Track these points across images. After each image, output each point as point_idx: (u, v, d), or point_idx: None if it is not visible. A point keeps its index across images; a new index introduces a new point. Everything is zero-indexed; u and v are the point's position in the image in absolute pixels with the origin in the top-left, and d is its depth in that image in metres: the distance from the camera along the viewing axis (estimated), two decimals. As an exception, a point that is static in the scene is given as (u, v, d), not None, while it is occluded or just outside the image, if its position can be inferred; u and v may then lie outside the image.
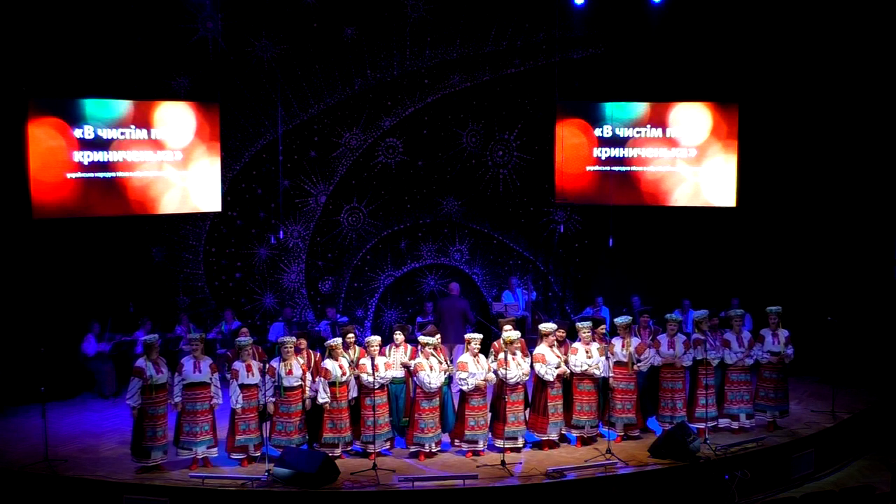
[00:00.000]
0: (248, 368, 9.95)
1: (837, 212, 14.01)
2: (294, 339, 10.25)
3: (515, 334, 10.41)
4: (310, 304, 14.57)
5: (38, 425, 10.19)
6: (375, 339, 10.35)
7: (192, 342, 10.07)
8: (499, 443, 10.30)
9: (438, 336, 10.64)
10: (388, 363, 10.41)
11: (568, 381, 10.64)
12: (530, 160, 14.95)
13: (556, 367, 10.42)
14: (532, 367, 10.54)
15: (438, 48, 14.47)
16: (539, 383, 10.52)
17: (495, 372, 10.33)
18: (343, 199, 14.57)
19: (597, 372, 10.54)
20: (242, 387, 9.90)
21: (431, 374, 10.12)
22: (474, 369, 10.21)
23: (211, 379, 9.96)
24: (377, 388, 10.14)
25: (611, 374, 10.60)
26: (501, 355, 10.31)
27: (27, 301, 12.65)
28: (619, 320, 10.91)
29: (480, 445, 10.30)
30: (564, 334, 10.79)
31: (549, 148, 14.61)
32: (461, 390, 10.34)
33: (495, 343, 10.84)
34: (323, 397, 10.04)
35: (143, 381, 9.70)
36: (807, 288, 13.92)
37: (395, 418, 10.57)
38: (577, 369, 10.51)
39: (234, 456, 9.99)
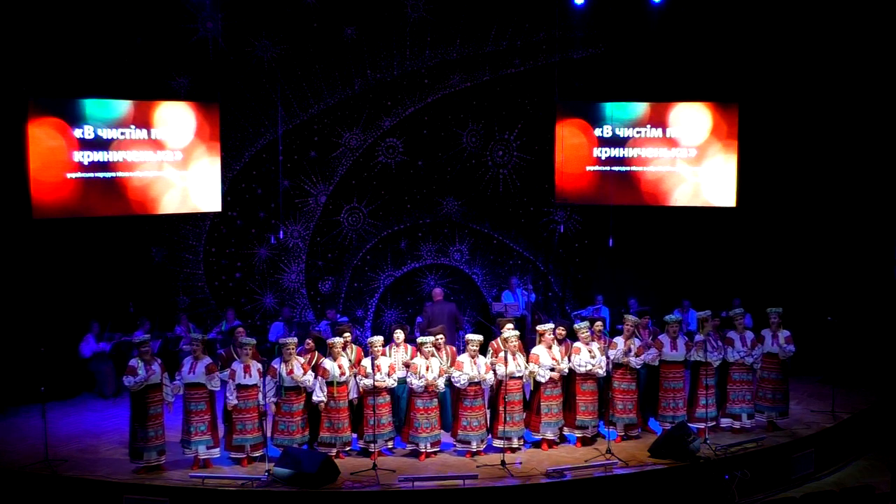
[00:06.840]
0: (247, 369, 9.96)
1: (837, 212, 14.01)
2: (295, 339, 10.27)
3: (511, 333, 10.38)
4: (310, 304, 14.57)
5: (38, 425, 10.20)
6: (378, 339, 10.37)
7: (192, 343, 10.07)
8: (496, 442, 10.29)
9: (441, 336, 10.63)
10: (392, 365, 10.37)
11: (569, 382, 10.64)
12: (530, 160, 14.94)
13: (551, 369, 10.40)
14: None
15: (438, 48, 14.47)
16: (534, 382, 10.51)
17: (494, 371, 10.31)
18: (343, 199, 14.57)
19: (600, 371, 10.54)
20: (240, 387, 9.92)
21: (427, 374, 10.12)
22: (469, 369, 10.20)
23: (205, 380, 9.92)
24: (383, 389, 10.17)
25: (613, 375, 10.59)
26: (501, 354, 10.30)
27: (27, 301, 12.66)
28: (629, 317, 10.97)
29: (474, 446, 10.27)
30: (564, 333, 10.78)
31: (549, 148, 14.60)
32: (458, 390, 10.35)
33: (493, 343, 10.84)
34: (319, 396, 10.05)
35: (134, 379, 9.71)
36: (807, 288, 13.92)
37: (398, 418, 10.56)
38: (582, 369, 10.49)
39: (232, 455, 10.01)
